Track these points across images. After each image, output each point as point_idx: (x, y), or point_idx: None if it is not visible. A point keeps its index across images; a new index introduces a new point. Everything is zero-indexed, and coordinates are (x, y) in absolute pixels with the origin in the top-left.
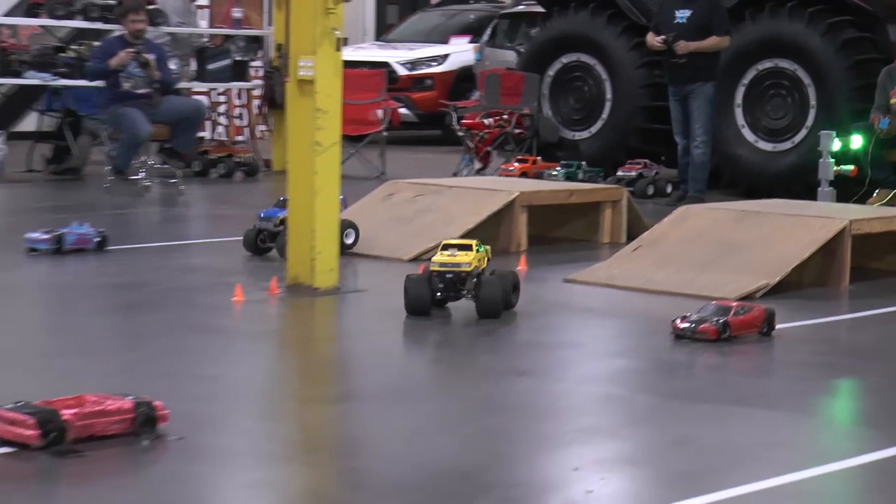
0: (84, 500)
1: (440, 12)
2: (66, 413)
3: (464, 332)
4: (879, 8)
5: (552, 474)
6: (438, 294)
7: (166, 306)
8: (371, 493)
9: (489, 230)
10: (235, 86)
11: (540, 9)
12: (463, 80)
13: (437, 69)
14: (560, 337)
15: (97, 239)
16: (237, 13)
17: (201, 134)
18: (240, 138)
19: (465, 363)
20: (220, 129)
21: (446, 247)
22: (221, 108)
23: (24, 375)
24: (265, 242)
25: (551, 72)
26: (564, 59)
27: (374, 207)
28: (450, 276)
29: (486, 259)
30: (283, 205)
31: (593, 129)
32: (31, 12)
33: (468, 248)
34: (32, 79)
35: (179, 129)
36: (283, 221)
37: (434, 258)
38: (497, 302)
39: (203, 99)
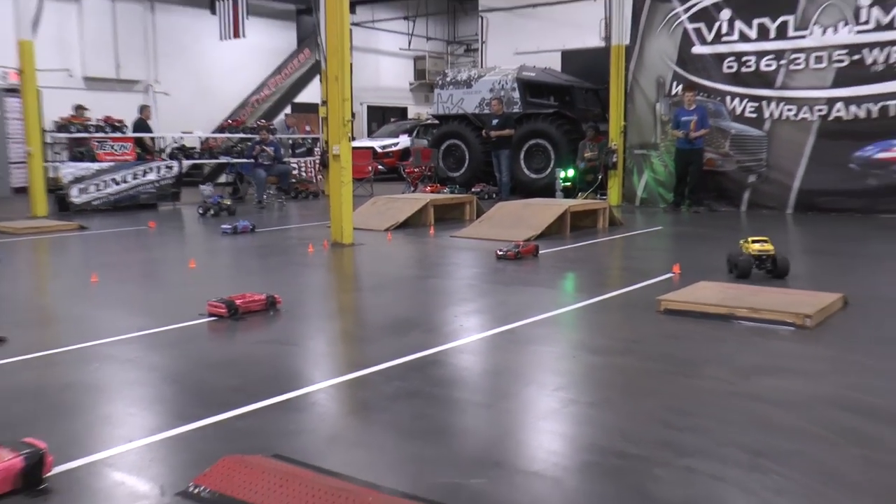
0: (248, 333)
1: (395, 125)
2: (238, 301)
3: (423, 253)
4: (580, 116)
5: (444, 318)
6: None
7: (280, 254)
8: (368, 328)
9: (417, 218)
10: (308, 158)
11: (436, 122)
12: (406, 154)
13: (394, 148)
14: (447, 260)
15: (252, 226)
16: (307, 127)
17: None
18: (310, 180)
19: (413, 273)
20: (302, 175)
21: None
22: (301, 167)
23: (222, 286)
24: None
25: (442, 147)
26: (448, 141)
27: (368, 208)
28: None
29: None
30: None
31: (461, 171)
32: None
33: None
34: (223, 159)
35: (282, 178)
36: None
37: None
38: None
39: (294, 163)
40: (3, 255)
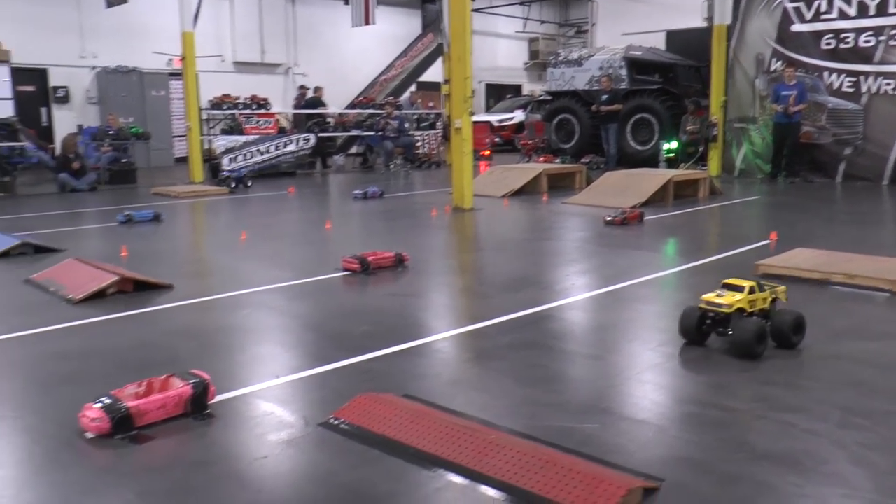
0: (378, 287)
1: (511, 101)
2: (370, 258)
3: (536, 218)
4: (683, 92)
5: (556, 277)
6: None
7: (406, 217)
8: (487, 285)
9: (531, 186)
10: (431, 131)
11: (549, 98)
12: (521, 128)
13: (510, 123)
14: (558, 225)
15: (381, 192)
16: (430, 103)
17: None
18: (433, 151)
19: (527, 236)
20: (425, 148)
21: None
22: (424, 140)
23: (355, 245)
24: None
25: (555, 121)
26: (560, 116)
27: (486, 176)
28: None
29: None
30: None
31: (572, 143)
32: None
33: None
34: (354, 132)
35: (407, 149)
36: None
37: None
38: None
39: (418, 136)
40: (165, 215)
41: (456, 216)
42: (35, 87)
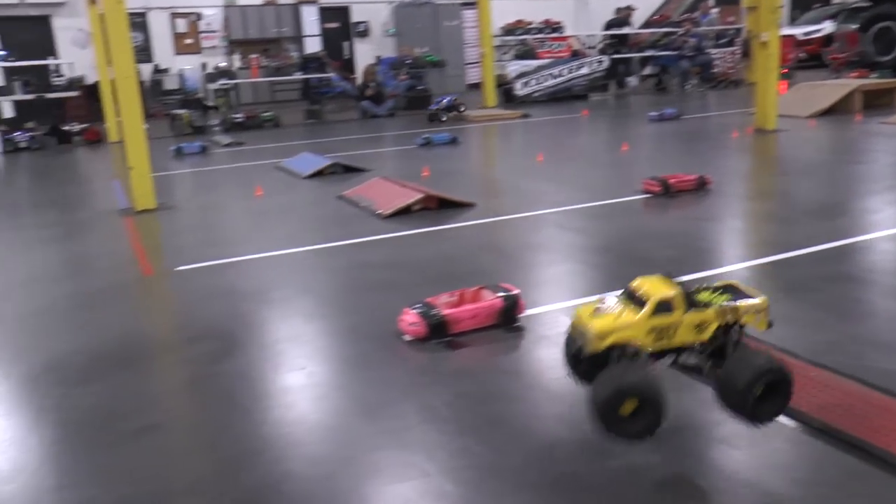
0: (680, 210)
1: (818, 11)
2: (671, 180)
3: (848, 140)
4: None
5: (872, 205)
6: None
7: (705, 139)
8: (794, 211)
9: (842, 104)
10: (730, 49)
11: (866, 4)
12: (828, 40)
13: (816, 35)
14: (874, 147)
15: (677, 113)
16: (731, 18)
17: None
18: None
19: (837, 158)
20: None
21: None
22: (722, 58)
23: (652, 167)
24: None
25: (873, 30)
26: (879, 24)
27: (791, 94)
28: None
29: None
30: None
31: (892, 55)
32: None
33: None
34: (648, 52)
35: (704, 68)
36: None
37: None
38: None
39: (715, 54)
40: (462, 138)
41: (758, 138)
42: (339, 24)
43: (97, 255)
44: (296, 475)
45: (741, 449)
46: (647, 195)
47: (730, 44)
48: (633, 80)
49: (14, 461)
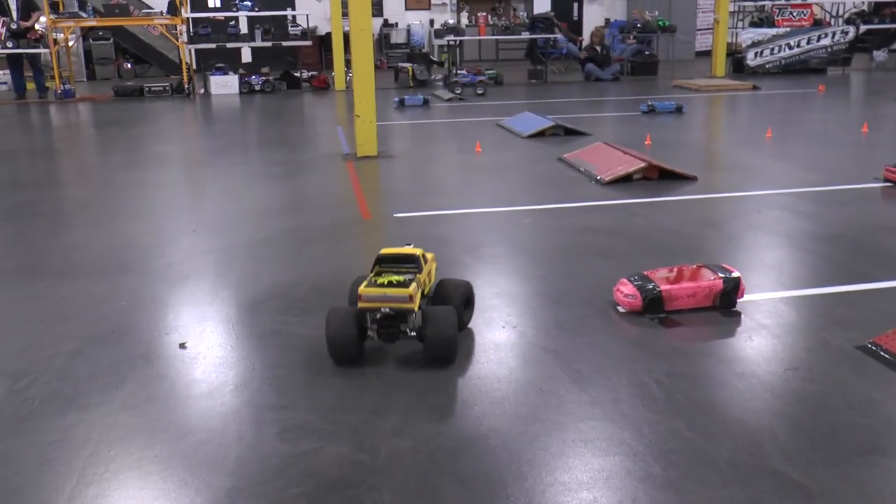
0: None
1: None
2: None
3: None
4: None
5: None
6: None
7: None
8: None
9: None
10: None
11: None
12: None
13: None
14: None
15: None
16: None
17: None
18: None
19: None
20: None
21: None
22: None
23: None
24: None
25: None
26: None
27: None
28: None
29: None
30: None
31: None
32: None
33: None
34: None
35: None
36: None
37: None
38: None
39: None
40: (687, 107)
41: None
42: None
43: (320, 195)
44: (503, 432)
45: None
46: (889, 184)
47: None
48: (880, 55)
49: (241, 376)
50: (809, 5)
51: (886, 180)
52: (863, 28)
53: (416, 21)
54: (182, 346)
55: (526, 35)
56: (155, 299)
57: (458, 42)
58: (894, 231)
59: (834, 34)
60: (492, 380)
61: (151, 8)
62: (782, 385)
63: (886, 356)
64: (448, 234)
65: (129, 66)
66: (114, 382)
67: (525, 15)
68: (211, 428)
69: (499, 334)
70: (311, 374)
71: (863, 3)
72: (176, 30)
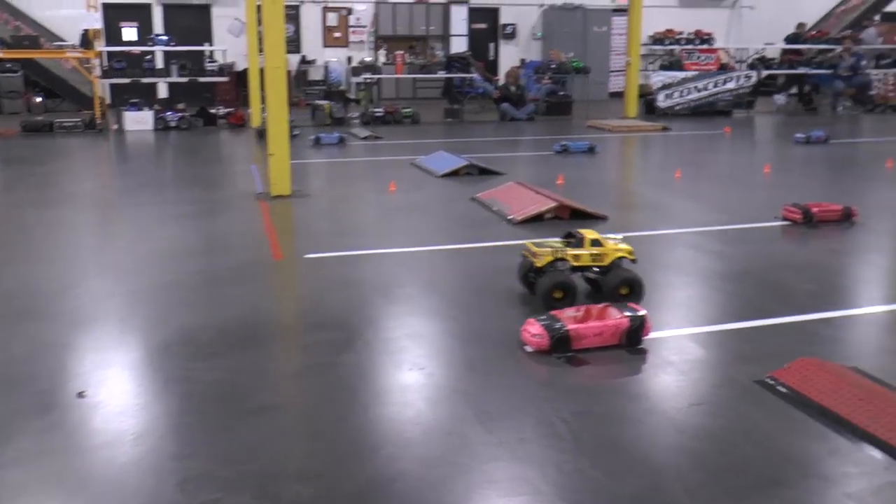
0: (822, 241)
1: None
2: (814, 209)
3: None
4: None
5: None
6: None
7: (853, 166)
8: None
9: None
10: (893, 70)
11: None
12: None
13: None
14: None
15: (826, 136)
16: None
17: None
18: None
19: None
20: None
21: None
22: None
23: (795, 193)
24: None
25: None
26: None
27: None
28: None
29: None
30: None
31: None
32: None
33: None
34: (801, 69)
35: (861, 90)
36: None
37: None
38: None
39: (874, 75)
40: (599, 147)
41: None
42: (486, 25)
43: (231, 235)
44: (409, 476)
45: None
46: (787, 223)
47: (893, 65)
48: (780, 98)
49: (143, 425)
50: (715, 50)
51: (785, 218)
52: (764, 73)
53: (335, 58)
54: (80, 394)
55: (443, 74)
56: (55, 346)
57: (375, 80)
58: (793, 268)
59: (738, 78)
60: (400, 422)
61: (64, 40)
62: (687, 420)
63: (783, 390)
64: (360, 274)
65: (40, 99)
66: (3, 437)
67: (442, 54)
68: (109, 480)
69: (408, 376)
70: (215, 421)
71: (764, 49)
72: (89, 63)
